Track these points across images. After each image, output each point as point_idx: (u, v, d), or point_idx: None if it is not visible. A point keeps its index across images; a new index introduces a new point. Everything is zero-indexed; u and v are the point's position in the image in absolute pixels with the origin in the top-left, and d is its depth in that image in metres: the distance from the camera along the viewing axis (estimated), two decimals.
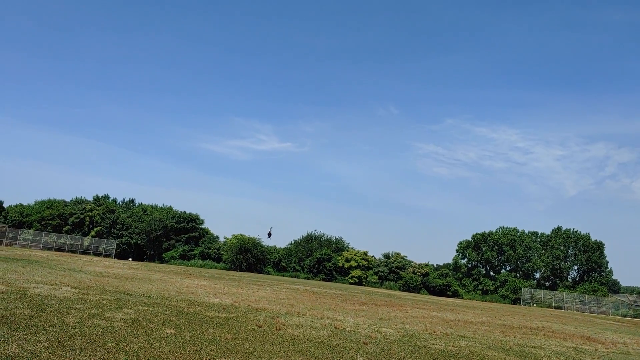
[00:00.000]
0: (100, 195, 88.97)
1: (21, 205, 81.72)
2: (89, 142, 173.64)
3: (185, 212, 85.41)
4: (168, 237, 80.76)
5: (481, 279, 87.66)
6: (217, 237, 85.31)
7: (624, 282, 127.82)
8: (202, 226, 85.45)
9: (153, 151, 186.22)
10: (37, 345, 7.87)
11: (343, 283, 74.48)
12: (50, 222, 76.67)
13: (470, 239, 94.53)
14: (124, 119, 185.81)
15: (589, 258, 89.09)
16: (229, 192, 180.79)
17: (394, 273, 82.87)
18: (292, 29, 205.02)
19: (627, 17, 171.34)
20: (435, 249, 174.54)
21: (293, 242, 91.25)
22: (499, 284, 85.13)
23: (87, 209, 78.93)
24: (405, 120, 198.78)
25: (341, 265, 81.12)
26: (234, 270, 69.51)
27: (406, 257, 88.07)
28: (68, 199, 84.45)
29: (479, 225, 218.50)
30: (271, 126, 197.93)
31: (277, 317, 15.42)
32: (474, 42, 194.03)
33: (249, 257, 74.49)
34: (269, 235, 70.10)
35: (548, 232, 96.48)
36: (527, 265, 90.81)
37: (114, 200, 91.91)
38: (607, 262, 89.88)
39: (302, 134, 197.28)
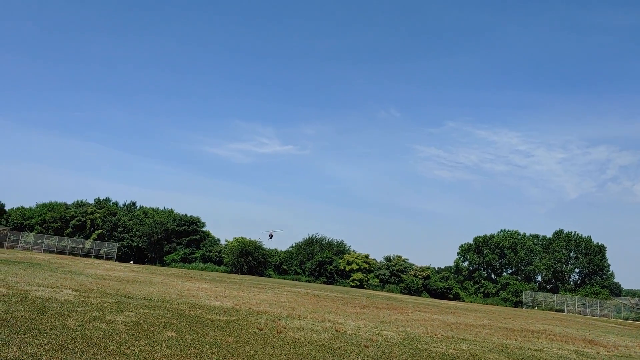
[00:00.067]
0: (101, 198, 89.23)
1: (23, 208, 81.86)
2: (90, 145, 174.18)
3: (186, 215, 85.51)
4: (169, 240, 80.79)
5: (482, 281, 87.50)
6: (219, 240, 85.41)
7: (625, 285, 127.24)
8: (204, 229, 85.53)
9: (154, 154, 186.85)
10: (37, 348, 7.87)
11: (344, 286, 74.38)
12: (52, 224, 76.76)
13: (472, 242, 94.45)
14: (126, 122, 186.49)
15: (591, 261, 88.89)
16: (231, 195, 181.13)
17: (395, 276, 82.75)
18: (293, 32, 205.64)
19: (629, 19, 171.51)
20: (437, 252, 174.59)
21: (294, 245, 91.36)
22: (500, 286, 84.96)
23: (89, 212, 79.02)
24: (406, 123, 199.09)
25: (342, 268, 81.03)
26: (235, 273, 69.47)
27: (407, 260, 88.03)
28: (69, 202, 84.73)
29: (480, 228, 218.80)
30: (273, 129, 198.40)
31: (278, 320, 15.41)
32: (475, 44, 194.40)
33: (250, 260, 74.47)
34: (271, 236, 70.29)
35: (549, 235, 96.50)
36: (528, 268, 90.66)
37: (116, 203, 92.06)
38: (609, 265, 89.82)
39: (303, 137, 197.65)
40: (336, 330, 14.42)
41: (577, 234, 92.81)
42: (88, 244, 73.48)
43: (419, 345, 13.54)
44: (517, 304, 78.47)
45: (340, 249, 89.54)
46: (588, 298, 75.68)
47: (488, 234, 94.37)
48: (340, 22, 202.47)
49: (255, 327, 13.05)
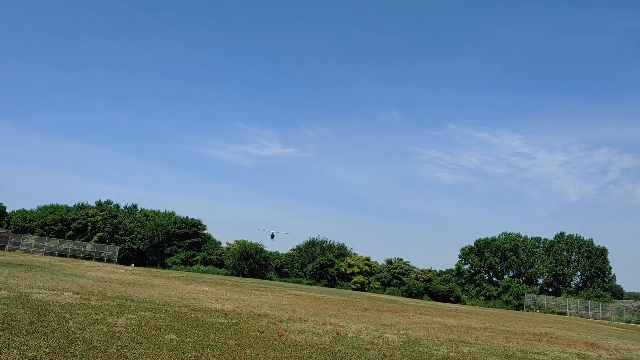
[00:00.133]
0: (102, 200, 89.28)
1: (24, 210, 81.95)
2: (92, 148, 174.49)
3: (187, 217, 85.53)
4: (170, 242, 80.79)
5: (484, 284, 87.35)
6: (220, 243, 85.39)
7: (627, 288, 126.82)
8: (205, 232, 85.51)
9: (156, 157, 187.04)
10: (38, 351, 7.86)
11: (345, 289, 74.28)
12: (53, 227, 76.81)
13: (473, 245, 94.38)
14: (127, 124, 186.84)
15: (592, 264, 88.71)
16: (232, 197, 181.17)
17: (396, 279, 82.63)
18: (294, 34, 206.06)
19: (630, 21, 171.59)
20: (438, 255, 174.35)
21: (295, 247, 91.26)
22: (501, 289, 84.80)
23: (90, 215, 79.06)
24: (407, 126, 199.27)
25: (344, 271, 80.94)
26: (236, 276, 69.42)
27: (409, 262, 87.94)
28: (71, 205, 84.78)
29: (481, 230, 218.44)
30: (274, 131, 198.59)
31: (279, 323, 15.38)
32: (476, 47, 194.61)
33: (251, 262, 74.42)
34: (272, 236, 70.38)
35: (551, 237, 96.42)
36: (530, 270, 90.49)
37: (117, 206, 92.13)
38: (611, 268, 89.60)
39: (304, 139, 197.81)
40: (337, 333, 14.39)
41: (579, 237, 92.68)
42: (89, 246, 73.51)
43: (420, 348, 13.50)
44: (519, 307, 78.29)
45: (341, 252, 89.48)
46: (590, 301, 75.48)
47: (489, 237, 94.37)
48: (341, 24, 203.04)
49: (256, 330, 13.03)
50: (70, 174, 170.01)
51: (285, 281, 74.58)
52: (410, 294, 76.23)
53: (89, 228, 77.86)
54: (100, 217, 79.01)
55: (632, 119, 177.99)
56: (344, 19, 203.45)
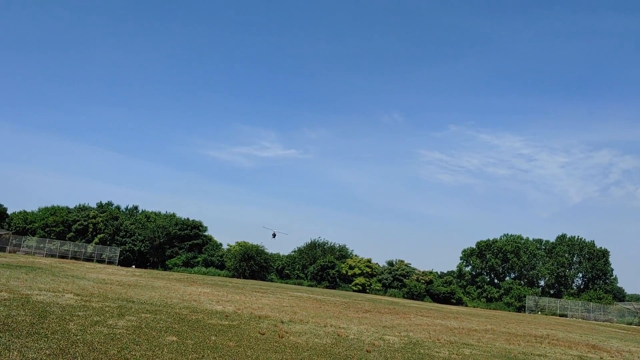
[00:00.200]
0: (103, 202, 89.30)
1: (25, 212, 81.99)
2: (93, 149, 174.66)
3: (188, 219, 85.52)
4: (171, 244, 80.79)
5: (485, 286, 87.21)
6: (221, 245, 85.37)
7: (629, 290, 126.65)
8: (206, 233, 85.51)
9: (157, 158, 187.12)
10: (38, 352, 7.85)
11: (347, 290, 74.20)
12: (54, 229, 76.86)
13: (475, 247, 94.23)
14: (128, 125, 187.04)
15: (594, 266, 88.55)
16: (233, 199, 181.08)
17: (397, 280, 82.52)
18: (297, 37, 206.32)
19: (631, 23, 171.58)
20: (439, 257, 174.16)
21: (297, 249, 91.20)
22: (503, 291, 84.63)
23: (91, 216, 79.09)
24: (409, 127, 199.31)
25: (345, 272, 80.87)
26: (237, 278, 69.39)
27: (410, 264, 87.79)
28: (72, 206, 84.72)
29: (483, 232, 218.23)
30: (275, 133, 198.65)
31: (280, 324, 15.36)
32: (477, 49, 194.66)
33: (252, 264, 74.38)
34: (274, 235, 70.38)
35: (552, 239, 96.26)
36: (531, 272, 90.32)
37: (118, 207, 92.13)
38: (612, 270, 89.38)
39: (306, 141, 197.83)
40: (338, 335, 14.36)
41: (580, 239, 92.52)
42: (90, 248, 73.53)
43: (421, 350, 13.46)
44: (520, 309, 78.14)
45: (342, 254, 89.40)
46: (591, 303, 75.32)
47: (491, 239, 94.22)
48: (343, 27, 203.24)
49: (257, 332, 13.01)
50: (71, 175, 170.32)
51: (287, 283, 74.51)
52: (412, 295, 76.12)
53: (90, 229, 77.89)
54: (101, 219, 79.04)
55: (633, 120, 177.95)
56: (346, 21, 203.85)
